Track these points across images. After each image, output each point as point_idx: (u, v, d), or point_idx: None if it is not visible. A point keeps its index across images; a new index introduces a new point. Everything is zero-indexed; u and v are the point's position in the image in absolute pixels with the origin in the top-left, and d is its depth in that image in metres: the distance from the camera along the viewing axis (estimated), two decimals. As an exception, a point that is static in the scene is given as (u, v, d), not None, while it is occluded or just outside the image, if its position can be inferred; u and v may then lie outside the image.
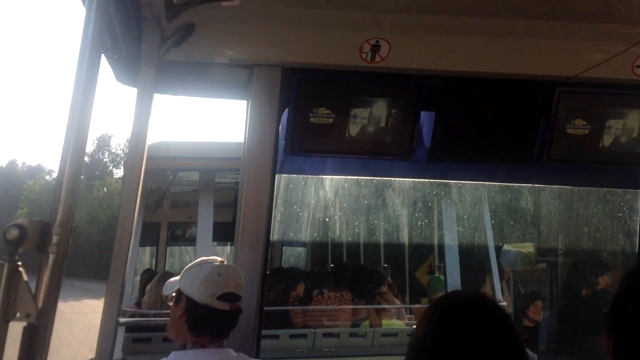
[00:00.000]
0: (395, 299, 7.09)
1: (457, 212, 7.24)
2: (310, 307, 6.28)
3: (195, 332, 2.72)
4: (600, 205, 6.33)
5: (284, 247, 12.22)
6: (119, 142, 61.34)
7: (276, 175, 3.18)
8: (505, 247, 7.32)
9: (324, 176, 5.94)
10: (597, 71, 3.10)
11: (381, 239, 10.51)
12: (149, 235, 11.61)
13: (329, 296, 6.35)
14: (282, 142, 3.22)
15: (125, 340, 5.86)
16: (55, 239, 1.54)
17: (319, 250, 13.08)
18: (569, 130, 3.33)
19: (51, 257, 1.54)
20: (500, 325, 1.64)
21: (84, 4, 1.80)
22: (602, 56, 3.09)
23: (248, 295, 2.92)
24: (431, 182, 6.25)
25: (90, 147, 56.23)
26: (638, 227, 3.68)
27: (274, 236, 8.43)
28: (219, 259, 2.82)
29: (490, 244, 7.60)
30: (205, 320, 2.69)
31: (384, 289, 6.78)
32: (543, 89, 3.27)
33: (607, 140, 3.35)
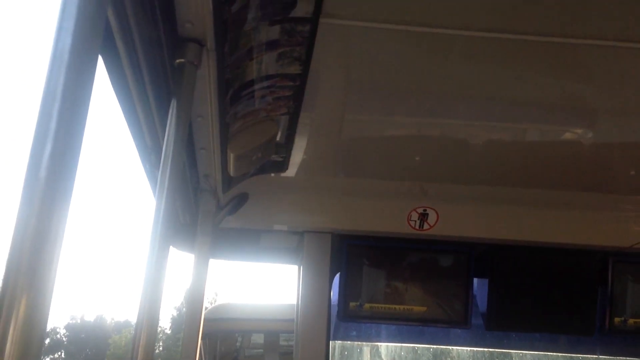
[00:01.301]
0: None
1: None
2: None
3: None
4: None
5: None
6: (207, 296, 61.83)
7: (330, 341, 3.15)
8: None
9: (379, 343, 5.80)
10: None
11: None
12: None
13: None
14: (334, 307, 3.23)
15: None
16: None
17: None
18: (627, 300, 3.21)
19: None
20: None
21: (154, 194, 1.95)
22: None
23: None
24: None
25: (178, 300, 56.68)
26: None
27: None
28: None
29: None
30: None
31: None
32: (596, 259, 3.21)
33: None
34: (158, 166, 1.76)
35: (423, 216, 3.10)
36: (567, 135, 2.61)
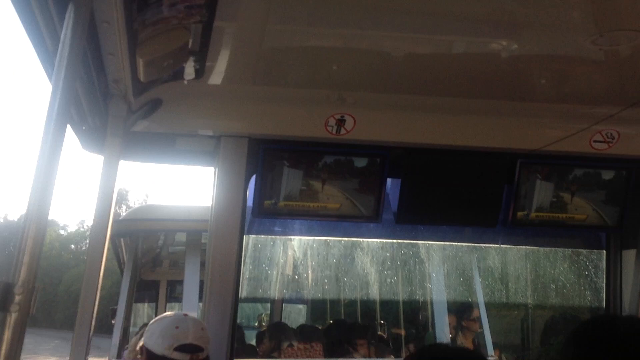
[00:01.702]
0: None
1: (445, 270, 7.25)
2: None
3: None
4: (566, 264, 6.40)
5: (284, 304, 12.17)
6: (138, 197, 61.02)
7: (244, 235, 3.21)
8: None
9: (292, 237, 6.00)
10: (557, 145, 3.20)
11: (377, 296, 10.47)
12: (149, 292, 11.68)
13: (299, 348, 6.32)
14: (250, 209, 3.26)
15: None
16: (17, 298, 1.56)
17: (319, 307, 13.02)
18: (531, 197, 3.39)
19: (13, 316, 1.56)
20: None
21: (49, 79, 1.89)
22: (562, 133, 3.19)
23: (217, 350, 2.92)
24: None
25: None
26: (604, 285, 3.72)
27: (243, 294, 8.44)
28: (183, 313, 2.85)
29: (481, 300, 7.56)
30: None
31: (362, 341, 6.76)
32: (505, 160, 3.35)
33: (569, 207, 3.42)
34: (60, 70, 1.72)
35: (340, 122, 3.12)
36: (481, 47, 2.65)
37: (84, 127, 2.86)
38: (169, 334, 2.71)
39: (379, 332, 8.72)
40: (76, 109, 2.63)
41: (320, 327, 9.00)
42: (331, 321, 10.60)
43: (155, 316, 10.87)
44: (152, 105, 2.94)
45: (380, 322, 10.51)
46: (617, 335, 1.77)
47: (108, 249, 2.78)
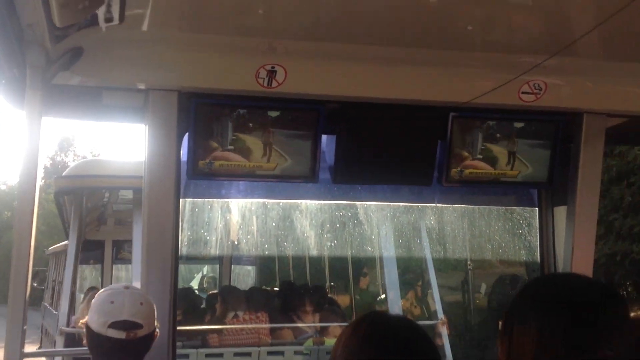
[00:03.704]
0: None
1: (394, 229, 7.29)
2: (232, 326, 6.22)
3: None
4: (500, 223, 6.51)
5: (232, 266, 12.15)
6: (86, 146, 58.41)
7: (180, 199, 3.10)
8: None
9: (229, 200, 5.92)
10: (487, 97, 3.12)
11: (326, 258, 10.50)
12: (94, 252, 11.44)
13: (244, 319, 6.30)
14: (185, 166, 3.13)
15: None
16: None
17: (267, 269, 13.03)
18: (464, 153, 3.34)
19: None
20: (422, 345, 1.64)
21: None
22: (491, 83, 3.10)
23: (159, 317, 2.78)
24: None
25: (51, 150, 53.52)
26: (538, 243, 3.76)
27: (187, 253, 8.34)
28: (124, 285, 2.69)
29: (429, 260, 7.64)
30: (101, 349, 2.57)
31: (308, 308, 6.81)
32: (437, 114, 3.28)
33: (501, 163, 3.38)
34: None
35: (271, 73, 2.98)
36: None
37: (3, 80, 2.68)
38: (103, 310, 2.58)
39: (329, 294, 8.80)
40: None
41: (269, 289, 9.01)
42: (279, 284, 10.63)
43: (101, 279, 10.72)
44: (72, 55, 2.75)
45: (330, 285, 10.59)
46: (560, 293, 1.78)
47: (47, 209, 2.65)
